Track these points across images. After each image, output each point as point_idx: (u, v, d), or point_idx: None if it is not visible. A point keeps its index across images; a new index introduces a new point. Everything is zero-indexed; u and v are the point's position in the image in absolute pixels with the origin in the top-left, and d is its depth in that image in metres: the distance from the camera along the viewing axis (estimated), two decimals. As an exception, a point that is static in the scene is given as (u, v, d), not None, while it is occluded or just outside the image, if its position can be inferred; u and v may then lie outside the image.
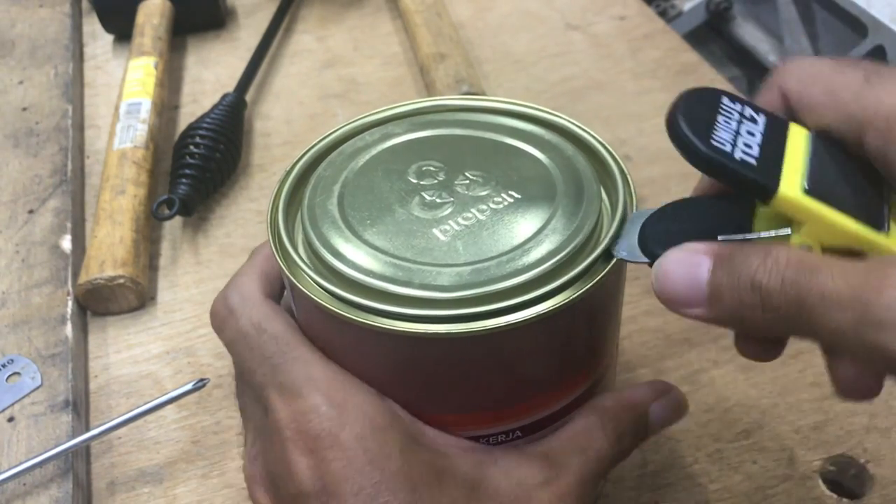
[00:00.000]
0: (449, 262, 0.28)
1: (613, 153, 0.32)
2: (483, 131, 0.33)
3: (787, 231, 0.26)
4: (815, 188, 0.25)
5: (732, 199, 0.28)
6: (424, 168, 0.32)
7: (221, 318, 0.31)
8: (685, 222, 0.28)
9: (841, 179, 0.26)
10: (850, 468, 0.40)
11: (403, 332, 0.26)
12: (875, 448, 0.41)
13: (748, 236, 0.26)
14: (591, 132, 0.33)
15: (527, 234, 0.29)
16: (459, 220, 0.30)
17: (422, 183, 0.31)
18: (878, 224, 0.25)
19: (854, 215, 0.25)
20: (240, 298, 0.31)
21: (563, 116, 0.34)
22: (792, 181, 0.25)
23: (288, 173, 0.33)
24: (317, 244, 0.29)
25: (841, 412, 0.42)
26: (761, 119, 0.27)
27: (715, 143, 0.25)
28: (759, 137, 0.26)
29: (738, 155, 0.25)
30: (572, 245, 0.28)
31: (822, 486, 0.40)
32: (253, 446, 0.32)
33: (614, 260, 0.28)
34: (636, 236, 0.28)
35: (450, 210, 0.30)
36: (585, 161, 0.32)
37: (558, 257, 0.28)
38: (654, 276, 0.26)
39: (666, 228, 0.28)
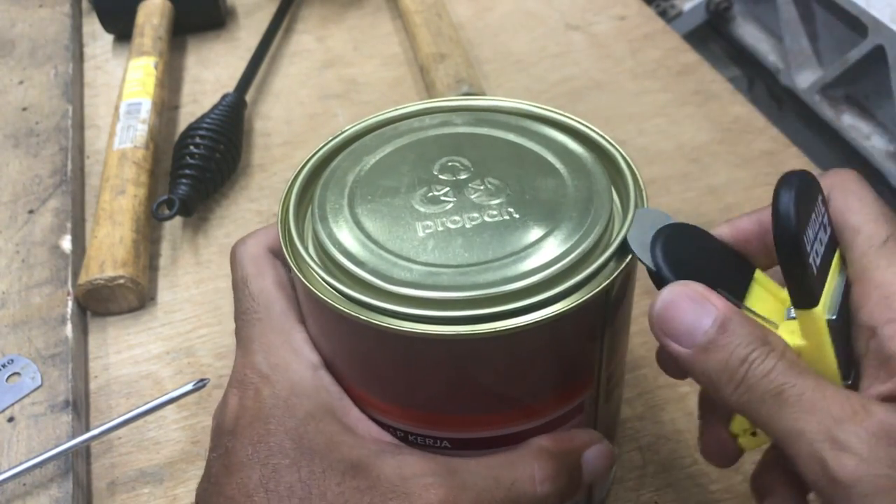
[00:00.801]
0: (416, 258, 0.28)
1: (631, 164, 0.31)
2: (528, 141, 0.33)
3: (777, 325, 0.28)
4: (835, 323, 0.27)
5: (740, 258, 0.30)
6: (451, 163, 0.32)
7: (230, 265, 0.34)
8: (695, 255, 0.29)
9: (846, 323, 0.28)
10: (850, 468, 0.40)
11: (378, 326, 0.27)
12: (875, 448, 0.41)
13: (746, 307, 0.28)
14: (626, 156, 0.32)
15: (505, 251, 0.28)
16: (447, 221, 0.29)
17: (440, 177, 0.31)
18: (847, 376, 0.27)
19: (841, 361, 0.27)
20: (244, 251, 0.33)
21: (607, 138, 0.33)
22: (824, 304, 0.27)
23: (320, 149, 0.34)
24: (316, 214, 0.30)
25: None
26: (828, 233, 0.28)
27: (805, 242, 0.26)
28: (822, 250, 0.27)
29: (810, 260, 0.26)
30: (555, 268, 0.27)
31: (822, 487, 0.40)
32: None
33: (628, 258, 0.28)
34: (648, 237, 0.28)
35: (446, 209, 0.30)
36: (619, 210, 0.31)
37: (553, 268, 0.27)
38: (660, 302, 0.27)
39: (677, 251, 0.28)
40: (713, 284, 0.27)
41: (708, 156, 0.59)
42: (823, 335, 0.27)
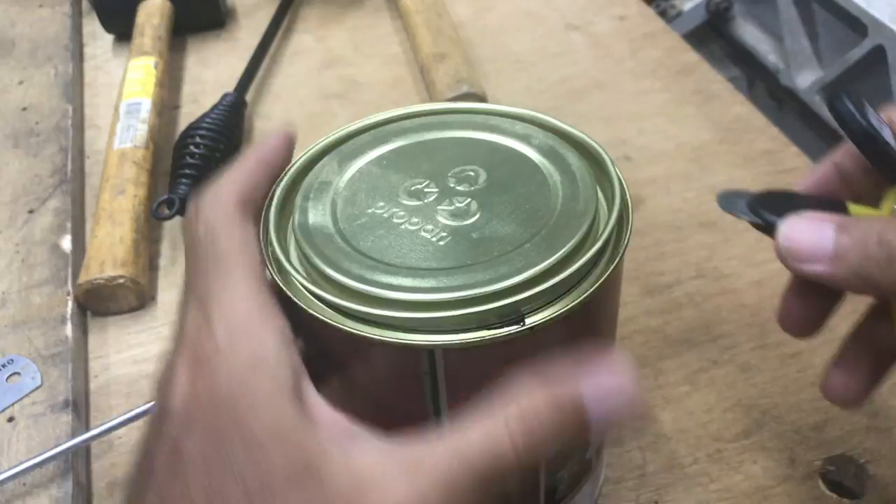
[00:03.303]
0: (413, 264, 0.28)
1: (619, 175, 0.31)
2: (526, 148, 0.32)
3: None
4: None
5: (829, 199, 0.32)
6: (462, 171, 0.31)
7: (188, 219, 0.30)
8: (790, 206, 0.31)
9: None
10: (850, 468, 0.40)
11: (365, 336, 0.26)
12: (875, 448, 0.41)
13: None
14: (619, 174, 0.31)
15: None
16: (430, 225, 0.29)
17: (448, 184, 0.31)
18: None
19: None
20: (209, 203, 0.30)
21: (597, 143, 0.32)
22: None
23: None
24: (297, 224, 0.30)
25: (841, 412, 0.42)
26: (886, 126, 0.31)
27: (875, 127, 0.29)
28: (892, 136, 0.30)
29: (886, 138, 0.29)
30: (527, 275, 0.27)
31: (822, 487, 0.40)
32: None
33: (620, 255, 0.28)
34: (745, 204, 0.31)
35: (427, 215, 0.30)
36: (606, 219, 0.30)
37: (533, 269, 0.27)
38: (780, 234, 0.29)
39: (774, 206, 0.31)
40: None
41: (708, 155, 0.59)
42: None
